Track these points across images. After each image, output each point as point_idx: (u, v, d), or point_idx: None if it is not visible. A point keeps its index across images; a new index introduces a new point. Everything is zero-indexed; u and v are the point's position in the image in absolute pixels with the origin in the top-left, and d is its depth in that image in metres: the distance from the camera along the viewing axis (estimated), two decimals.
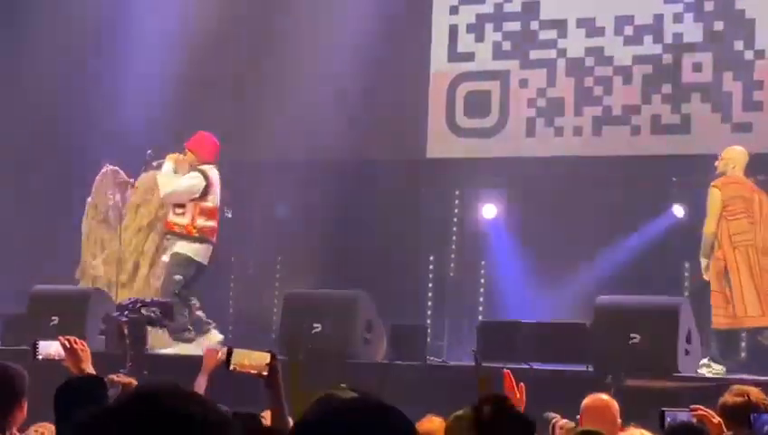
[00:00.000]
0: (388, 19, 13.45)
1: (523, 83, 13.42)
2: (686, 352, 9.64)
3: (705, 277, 10.82)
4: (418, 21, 13.73)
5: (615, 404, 6.68)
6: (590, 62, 13.14)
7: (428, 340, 11.28)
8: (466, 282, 13.52)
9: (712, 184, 10.91)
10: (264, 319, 13.49)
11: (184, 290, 11.35)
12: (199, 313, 11.52)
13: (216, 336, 11.43)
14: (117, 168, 13.03)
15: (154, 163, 11.96)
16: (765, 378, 8.86)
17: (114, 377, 6.05)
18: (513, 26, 13.53)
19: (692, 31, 12.74)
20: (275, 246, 13.93)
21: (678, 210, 12.29)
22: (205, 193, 11.51)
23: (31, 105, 13.90)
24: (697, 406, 5.24)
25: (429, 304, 13.55)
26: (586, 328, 9.84)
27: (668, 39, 12.84)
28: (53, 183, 13.84)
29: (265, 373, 4.68)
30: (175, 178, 11.55)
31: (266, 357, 4.70)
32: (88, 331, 10.50)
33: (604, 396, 6.84)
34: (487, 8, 13.64)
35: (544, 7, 13.37)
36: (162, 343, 11.26)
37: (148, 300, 10.63)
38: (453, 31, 13.77)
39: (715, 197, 10.81)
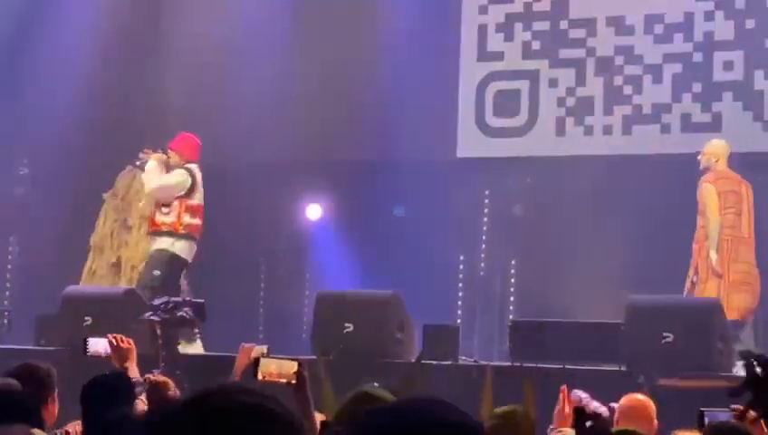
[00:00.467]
0: (417, 19, 13.44)
1: (553, 83, 13.40)
2: (721, 352, 9.60)
3: (718, 269, 10.99)
4: (448, 20, 13.73)
5: (652, 404, 6.66)
6: (619, 60, 13.11)
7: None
8: (497, 281, 13.50)
9: (703, 180, 11.21)
10: (295, 320, 13.50)
11: (170, 289, 11.43)
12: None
13: (198, 348, 11.36)
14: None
15: (137, 162, 11.97)
16: None
17: (150, 377, 6.07)
18: (543, 25, 13.51)
19: (723, 29, 12.69)
20: (304, 246, 13.95)
21: None
22: (191, 190, 11.60)
23: (63, 105, 13.95)
24: (738, 406, 5.21)
25: (459, 303, 13.54)
26: (619, 327, 9.80)
27: (699, 37, 12.79)
28: (86, 183, 13.90)
29: (294, 382, 4.68)
30: (161, 175, 11.63)
31: (294, 365, 4.70)
32: (120, 331, 10.51)
33: (641, 396, 6.82)
34: (517, 7, 13.62)
35: (574, 6, 13.35)
36: None
37: (180, 300, 10.65)
38: (482, 30, 13.77)
39: (710, 191, 11.13)
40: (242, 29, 13.73)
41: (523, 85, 13.57)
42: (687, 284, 11.29)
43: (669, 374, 9.21)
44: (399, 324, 10.57)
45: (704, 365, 9.41)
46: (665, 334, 9.42)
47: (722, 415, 4.69)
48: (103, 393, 4.74)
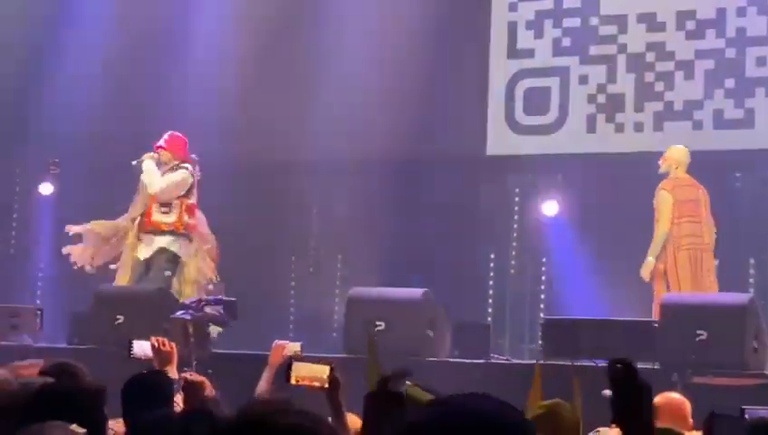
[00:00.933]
0: (447, 16, 13.42)
1: (583, 80, 13.35)
2: (755, 349, 9.53)
3: (645, 276, 11.23)
4: (478, 18, 13.70)
5: (687, 403, 6.63)
6: (650, 57, 13.05)
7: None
8: (527, 279, 13.47)
9: (661, 187, 11.31)
10: (326, 319, 13.50)
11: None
12: None
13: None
14: None
15: (133, 162, 11.93)
16: None
17: (187, 376, 6.07)
18: (573, 22, 13.46)
19: (756, 24, 12.62)
20: (336, 245, 13.95)
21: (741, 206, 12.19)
22: (190, 190, 11.60)
23: (93, 104, 13.99)
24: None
25: (490, 301, 13.52)
26: (652, 325, 9.76)
27: (731, 33, 12.72)
28: (116, 182, 13.93)
29: (326, 386, 4.67)
30: (162, 175, 11.62)
31: (326, 370, 4.68)
32: (152, 330, 10.52)
33: (676, 395, 6.79)
34: (547, 4, 13.58)
35: (604, 3, 13.29)
36: None
37: (212, 298, 10.65)
38: (512, 27, 13.73)
39: (666, 199, 11.23)
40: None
41: (554, 82, 13.52)
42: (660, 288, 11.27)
43: (703, 373, 9.16)
44: (431, 323, 10.55)
45: (737, 363, 9.36)
46: (698, 332, 9.36)
47: (762, 412, 4.66)
48: (144, 392, 4.75)
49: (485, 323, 11.71)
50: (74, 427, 2.92)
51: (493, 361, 10.57)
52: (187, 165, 11.63)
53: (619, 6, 13.21)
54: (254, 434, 1.81)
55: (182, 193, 11.58)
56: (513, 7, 13.73)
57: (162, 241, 11.60)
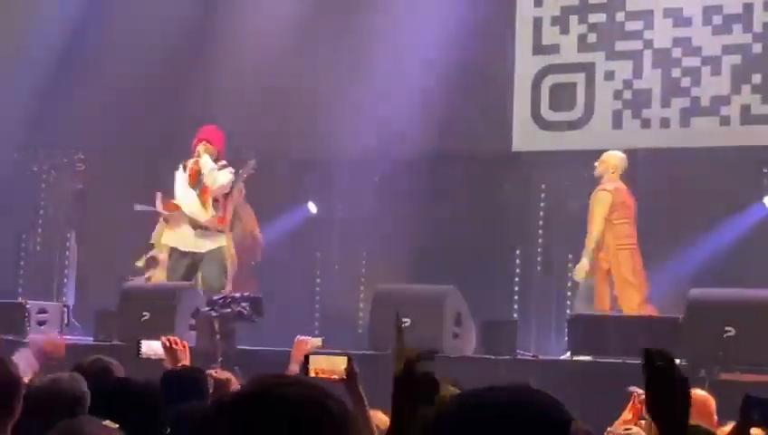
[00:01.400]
0: (472, 13, 13.40)
1: (609, 75, 13.31)
2: None
3: (577, 277, 11.58)
4: (503, 14, 13.67)
5: (712, 400, 6.60)
6: (677, 53, 12.99)
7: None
8: (553, 276, 13.43)
9: (602, 188, 11.55)
10: (351, 315, 13.51)
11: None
12: None
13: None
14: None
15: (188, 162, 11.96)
16: None
17: (213, 372, 6.09)
18: (599, 18, 13.42)
19: None
20: (361, 242, 13.95)
21: None
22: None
23: (119, 100, 14.03)
24: None
25: (516, 298, 13.49)
26: (678, 322, 9.71)
27: (758, 28, 12.65)
28: (142, 179, 13.98)
29: (344, 377, 4.67)
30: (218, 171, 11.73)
31: (343, 361, 4.69)
32: (178, 326, 10.57)
33: (701, 391, 6.76)
34: (572, 0, 13.53)
35: None
36: None
37: (237, 295, 10.67)
38: (537, 23, 13.69)
39: (605, 200, 11.49)
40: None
41: (579, 78, 13.48)
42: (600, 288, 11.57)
43: (731, 369, 9.12)
44: (457, 319, 10.54)
45: (766, 360, 9.30)
46: (726, 329, 9.32)
47: None
48: (179, 387, 4.75)
49: (512, 320, 11.68)
50: (108, 423, 2.93)
51: (519, 357, 10.55)
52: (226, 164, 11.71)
53: (645, 2, 13.16)
54: (262, 403, 1.82)
55: (227, 191, 11.71)
56: (538, 3, 13.69)
57: (219, 240, 11.69)
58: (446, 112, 13.38)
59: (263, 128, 13.49)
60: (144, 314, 10.88)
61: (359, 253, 14.05)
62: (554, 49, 13.62)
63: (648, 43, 13.12)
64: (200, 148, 11.73)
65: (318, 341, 6.61)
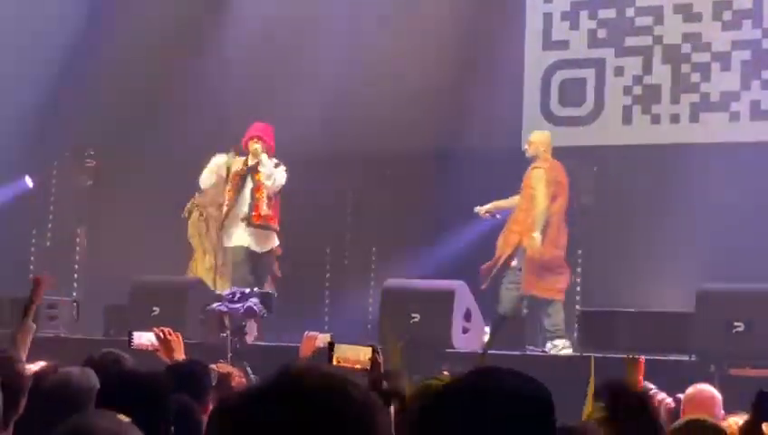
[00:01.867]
0: (482, 8, 13.40)
1: (619, 71, 13.30)
2: None
3: (535, 253, 11.60)
4: (513, 9, 13.67)
5: (718, 395, 6.62)
6: (686, 48, 12.98)
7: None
8: None
9: (536, 166, 11.80)
10: (360, 309, 13.51)
11: None
12: None
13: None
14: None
15: (247, 157, 11.98)
16: None
17: (215, 367, 6.11)
18: (609, 13, 13.40)
19: None
20: (370, 236, 13.95)
21: None
22: None
23: (129, 96, 14.06)
24: None
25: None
26: (688, 317, 9.71)
27: None
28: (152, 174, 14.01)
29: (368, 368, 4.68)
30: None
31: (368, 352, 4.70)
32: (188, 321, 10.59)
33: (707, 387, 6.78)
34: None
35: None
36: None
37: (247, 290, 10.69)
38: (547, 19, 13.69)
39: (541, 177, 11.76)
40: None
41: (589, 74, 13.48)
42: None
43: (741, 364, 9.12)
44: (466, 314, 10.56)
45: None
46: (735, 323, 9.32)
47: None
48: (180, 381, 4.77)
49: (521, 316, 11.68)
50: (120, 416, 2.94)
51: (528, 353, 10.57)
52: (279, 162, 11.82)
53: None
54: (290, 391, 1.82)
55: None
56: None
57: (273, 239, 11.79)
58: (456, 108, 13.38)
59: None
60: (154, 309, 10.91)
61: (368, 247, 14.05)
62: (564, 45, 13.62)
63: (658, 39, 13.11)
64: (257, 146, 11.74)
65: (327, 337, 6.63)
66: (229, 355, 9.57)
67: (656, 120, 13.08)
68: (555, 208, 11.75)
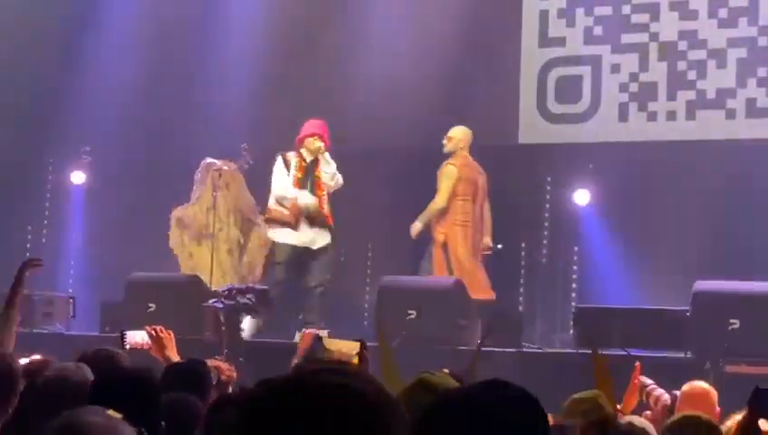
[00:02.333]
0: (478, 5, 13.40)
1: (615, 68, 13.30)
2: None
3: (412, 234, 12.03)
4: (509, 6, 13.67)
5: (714, 392, 6.61)
6: (683, 45, 12.98)
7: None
8: (559, 268, 13.42)
9: (449, 162, 12.05)
10: (357, 306, 13.51)
11: None
12: None
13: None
14: (214, 160, 13.11)
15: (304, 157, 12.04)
16: None
17: (209, 362, 6.12)
18: (605, 11, 13.40)
19: None
20: (366, 232, 13.94)
21: None
22: None
23: (124, 92, 14.04)
24: None
25: (521, 290, 13.48)
26: (684, 314, 9.72)
27: (764, 21, 12.64)
28: (152, 171, 14.01)
29: (355, 362, 4.68)
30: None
31: (356, 346, 4.70)
32: (184, 318, 10.59)
33: (703, 384, 6.78)
34: None
35: None
36: None
37: (243, 287, 10.70)
38: (543, 16, 13.68)
39: (452, 174, 11.98)
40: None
41: (585, 71, 13.48)
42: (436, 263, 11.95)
43: (736, 361, 9.13)
44: (463, 311, 10.56)
45: None
46: (731, 321, 9.33)
47: None
48: (180, 380, 4.77)
49: (517, 312, 11.70)
50: (111, 412, 2.93)
51: (524, 350, 10.57)
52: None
53: None
54: (306, 390, 1.82)
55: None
56: None
57: (328, 235, 12.00)
58: (452, 104, 13.37)
59: (268, 122, 13.51)
60: (150, 305, 10.90)
61: (364, 243, 14.04)
62: (560, 42, 13.61)
63: (654, 36, 13.11)
64: (319, 145, 11.84)
65: (324, 334, 6.64)
66: (225, 351, 9.58)
67: (652, 117, 13.09)
68: (459, 208, 11.96)
